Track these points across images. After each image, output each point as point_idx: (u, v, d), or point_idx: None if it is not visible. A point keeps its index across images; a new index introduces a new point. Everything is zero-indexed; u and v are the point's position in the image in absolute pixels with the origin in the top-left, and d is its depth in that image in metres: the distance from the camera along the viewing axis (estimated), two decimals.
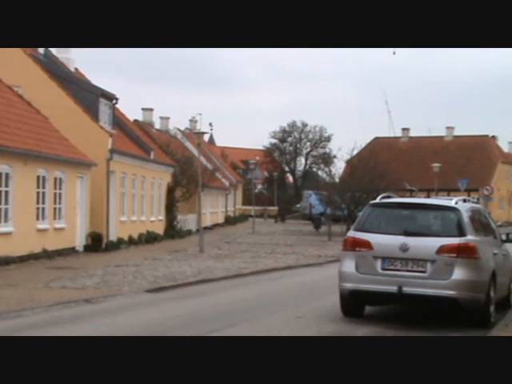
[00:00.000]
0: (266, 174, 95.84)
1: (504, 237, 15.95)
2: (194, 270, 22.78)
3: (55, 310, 14.43)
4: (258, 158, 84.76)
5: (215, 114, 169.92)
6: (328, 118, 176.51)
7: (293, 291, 18.58)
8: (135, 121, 47.70)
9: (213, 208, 56.58)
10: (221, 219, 59.96)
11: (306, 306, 15.34)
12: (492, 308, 13.29)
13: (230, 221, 62.03)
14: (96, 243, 30.17)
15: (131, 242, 34.16)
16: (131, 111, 78.07)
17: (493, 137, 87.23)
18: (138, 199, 36.75)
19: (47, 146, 26.98)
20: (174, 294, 17.61)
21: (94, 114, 31.82)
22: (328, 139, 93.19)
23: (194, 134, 41.56)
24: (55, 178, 27.23)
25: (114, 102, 34.30)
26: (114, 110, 34.63)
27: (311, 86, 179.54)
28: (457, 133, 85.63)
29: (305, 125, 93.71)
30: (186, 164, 45.67)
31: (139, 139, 39.32)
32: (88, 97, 32.04)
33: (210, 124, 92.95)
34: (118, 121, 36.79)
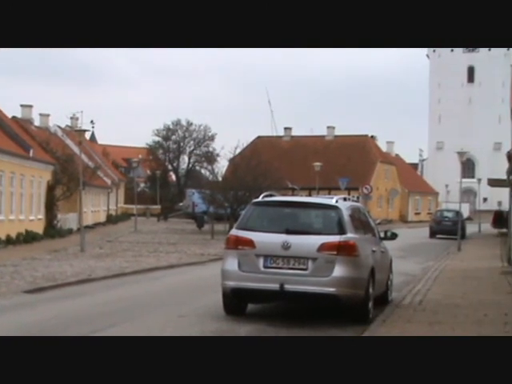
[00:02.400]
0: (148, 172, 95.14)
1: (382, 234, 16.36)
2: (74, 269, 22.39)
3: None
4: (140, 156, 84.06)
5: (97, 111, 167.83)
6: (212, 116, 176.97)
7: (175, 290, 18.50)
8: (13, 117, 46.50)
9: (94, 207, 55.79)
10: (102, 218, 59.21)
11: (188, 305, 15.29)
12: (371, 304, 13.59)
13: (112, 220, 61.32)
14: None
15: (9, 241, 33.26)
16: (9, 108, 76.12)
17: (372, 137, 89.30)
18: (16, 198, 35.84)
19: None
20: (53, 295, 17.24)
21: None
22: (212, 138, 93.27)
23: (75, 132, 40.86)
24: None
25: None
26: None
27: (196, 85, 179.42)
28: (337, 132, 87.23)
29: (190, 123, 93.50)
30: (67, 162, 44.87)
31: (18, 136, 38.33)
32: None
33: (92, 122, 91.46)
34: None
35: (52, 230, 40.39)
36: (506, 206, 46.05)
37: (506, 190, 30.84)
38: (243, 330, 12.43)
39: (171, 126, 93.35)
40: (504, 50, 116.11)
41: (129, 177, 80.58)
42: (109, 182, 63.02)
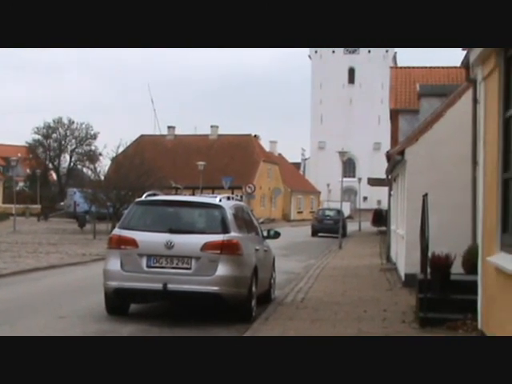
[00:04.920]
0: (28, 171, 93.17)
1: (265, 233, 16.50)
2: None
3: None
4: (19, 154, 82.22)
5: None
6: (94, 115, 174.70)
7: (56, 291, 18.14)
8: None
9: None
10: None
11: (69, 306, 15.03)
12: (254, 302, 13.69)
13: None
14: None
15: None
16: None
17: (255, 136, 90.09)
18: None
19: None
20: None
21: None
22: (94, 137, 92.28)
23: None
24: None
25: None
26: None
27: (75, 84, 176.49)
28: (221, 132, 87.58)
29: (71, 122, 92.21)
30: None
31: None
32: None
33: None
34: None
35: None
36: (385, 205, 47.24)
37: (385, 189, 31.62)
38: (126, 330, 12.31)
39: (52, 124, 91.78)
40: (383, 52, 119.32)
41: (7, 176, 78.63)
42: None
